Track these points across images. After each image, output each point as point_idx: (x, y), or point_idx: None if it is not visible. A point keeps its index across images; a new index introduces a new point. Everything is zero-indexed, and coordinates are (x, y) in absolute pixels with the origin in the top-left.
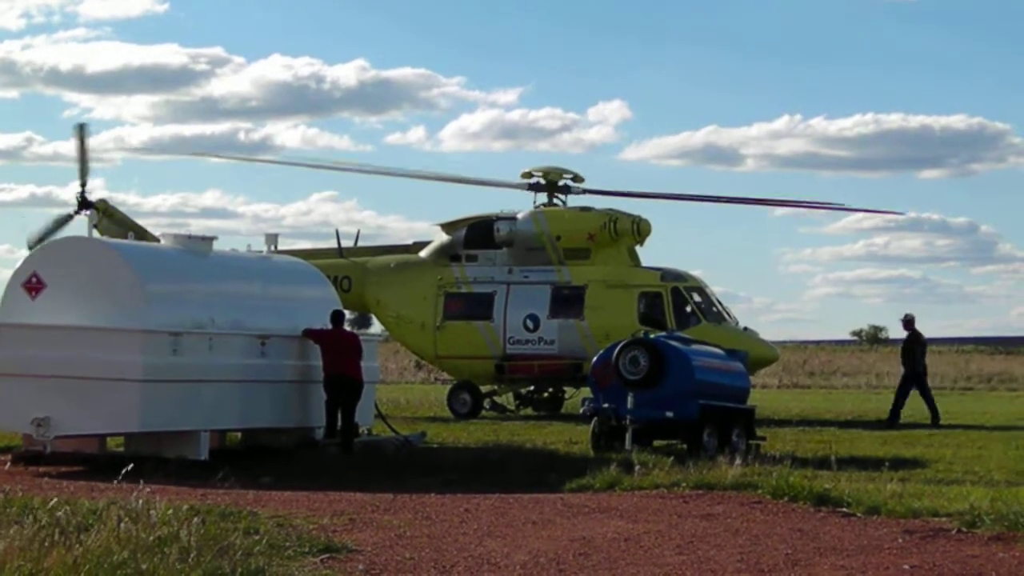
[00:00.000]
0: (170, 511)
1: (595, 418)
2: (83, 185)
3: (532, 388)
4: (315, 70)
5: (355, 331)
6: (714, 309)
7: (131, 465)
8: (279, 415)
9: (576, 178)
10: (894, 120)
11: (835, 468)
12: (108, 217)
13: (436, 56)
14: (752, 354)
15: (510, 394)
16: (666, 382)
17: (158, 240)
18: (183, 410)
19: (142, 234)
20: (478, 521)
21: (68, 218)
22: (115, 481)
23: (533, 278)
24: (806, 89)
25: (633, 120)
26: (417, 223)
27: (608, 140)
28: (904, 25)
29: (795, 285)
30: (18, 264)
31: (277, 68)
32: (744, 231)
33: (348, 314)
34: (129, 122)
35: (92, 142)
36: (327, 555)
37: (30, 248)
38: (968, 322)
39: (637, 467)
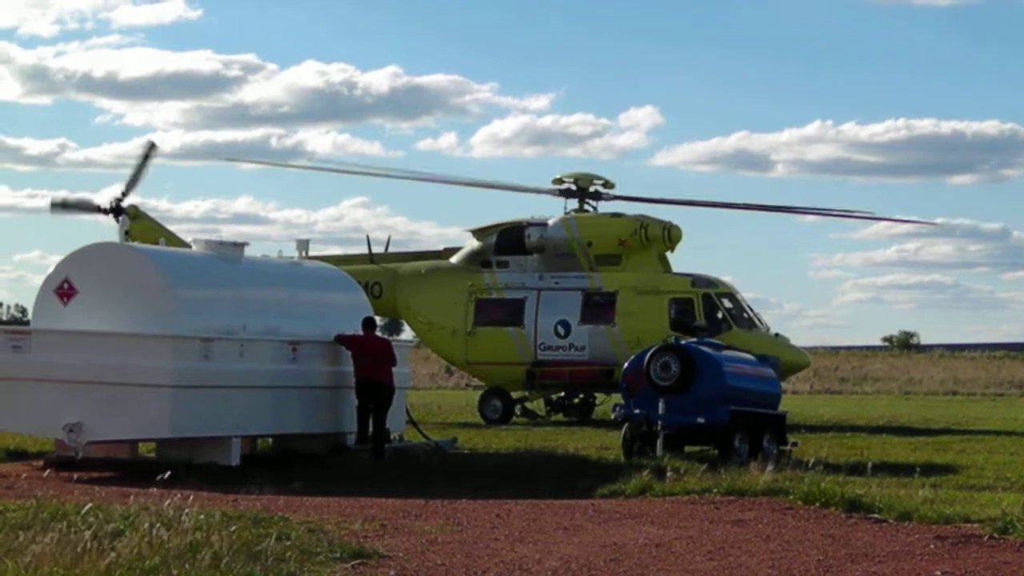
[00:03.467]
0: (202, 517)
1: (626, 424)
2: (124, 194)
3: (563, 394)
4: (348, 76)
5: (386, 337)
6: (745, 315)
7: (167, 473)
8: (310, 421)
9: (607, 184)
10: (926, 126)
11: (867, 474)
12: (139, 223)
13: (469, 62)
14: (783, 360)
15: (541, 400)
16: (697, 388)
17: (189, 246)
18: (214, 416)
19: (173, 240)
20: (509, 527)
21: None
22: (149, 488)
23: (564, 284)
24: (837, 94)
25: (664, 126)
26: (448, 229)
27: (639, 146)
28: (936, 30)
29: (826, 291)
30: (50, 270)
31: (310, 74)
32: (775, 237)
33: (379, 320)
34: (161, 128)
35: (123, 148)
36: (358, 561)
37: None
38: (1000, 328)
39: (668, 473)
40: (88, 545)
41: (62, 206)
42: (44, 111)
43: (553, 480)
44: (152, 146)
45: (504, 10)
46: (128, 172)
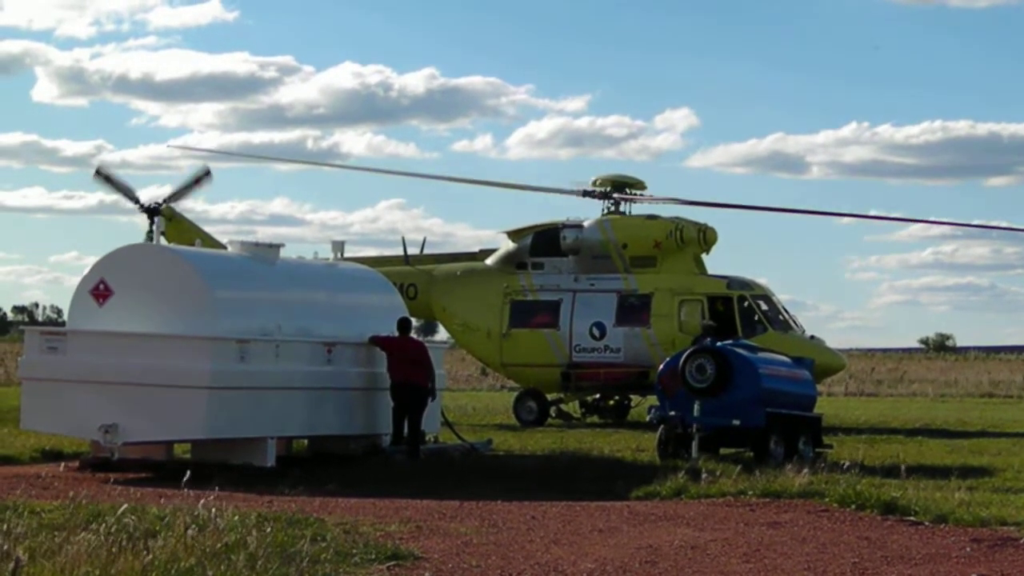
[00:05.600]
0: (237, 518)
1: (662, 426)
2: (167, 201)
3: (598, 396)
4: (384, 78)
5: (421, 339)
6: (780, 317)
7: (188, 473)
8: (345, 422)
9: (640, 186)
10: (961, 127)
11: (903, 476)
12: (175, 224)
13: (505, 64)
14: (819, 362)
15: (576, 402)
16: (733, 390)
17: (225, 248)
18: (250, 417)
19: (208, 241)
20: (545, 529)
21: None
22: (182, 488)
23: (599, 286)
24: (873, 96)
25: (699, 127)
26: (483, 231)
27: (674, 147)
28: (973, 32)
29: (861, 293)
30: (86, 271)
31: (346, 76)
32: (810, 238)
33: (414, 321)
34: (197, 130)
35: (159, 150)
36: (394, 562)
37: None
38: None
39: (704, 475)
40: (124, 546)
41: (106, 179)
42: (81, 113)
43: (588, 482)
44: (207, 172)
45: (540, 13)
46: (168, 176)
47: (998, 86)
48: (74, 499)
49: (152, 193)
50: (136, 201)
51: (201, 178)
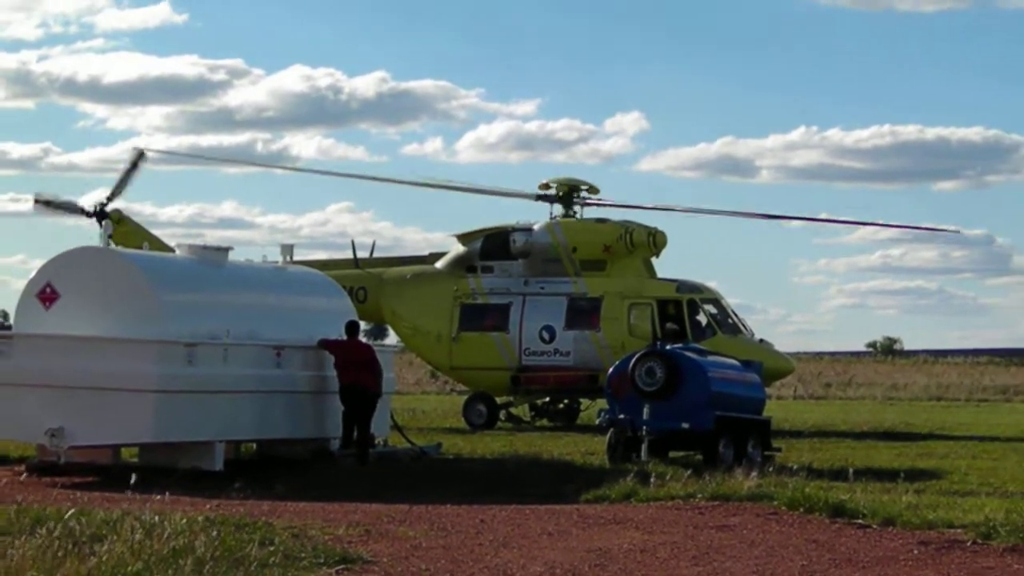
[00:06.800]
0: (184, 522)
1: (611, 429)
2: (110, 199)
3: (548, 399)
4: (334, 81)
5: (370, 342)
6: (730, 321)
7: (135, 477)
8: (294, 426)
9: (592, 189)
10: (910, 131)
11: (851, 479)
12: (123, 227)
13: (456, 68)
14: (768, 365)
15: (526, 405)
16: (682, 393)
17: (173, 251)
18: (198, 421)
19: (157, 245)
20: (494, 532)
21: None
22: (128, 491)
23: (549, 289)
24: (822, 100)
25: (650, 131)
26: (433, 234)
27: (624, 151)
28: (921, 36)
29: (810, 296)
30: (32, 274)
31: (296, 79)
32: (760, 242)
33: (363, 325)
34: (145, 132)
35: (106, 153)
36: (342, 566)
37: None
38: (983, 333)
39: (653, 478)
40: (69, 550)
41: (46, 204)
42: (27, 115)
43: (537, 485)
44: (140, 154)
45: (491, 16)
46: (114, 177)
47: (946, 91)
48: (20, 503)
49: (99, 196)
50: (82, 211)
51: (137, 162)
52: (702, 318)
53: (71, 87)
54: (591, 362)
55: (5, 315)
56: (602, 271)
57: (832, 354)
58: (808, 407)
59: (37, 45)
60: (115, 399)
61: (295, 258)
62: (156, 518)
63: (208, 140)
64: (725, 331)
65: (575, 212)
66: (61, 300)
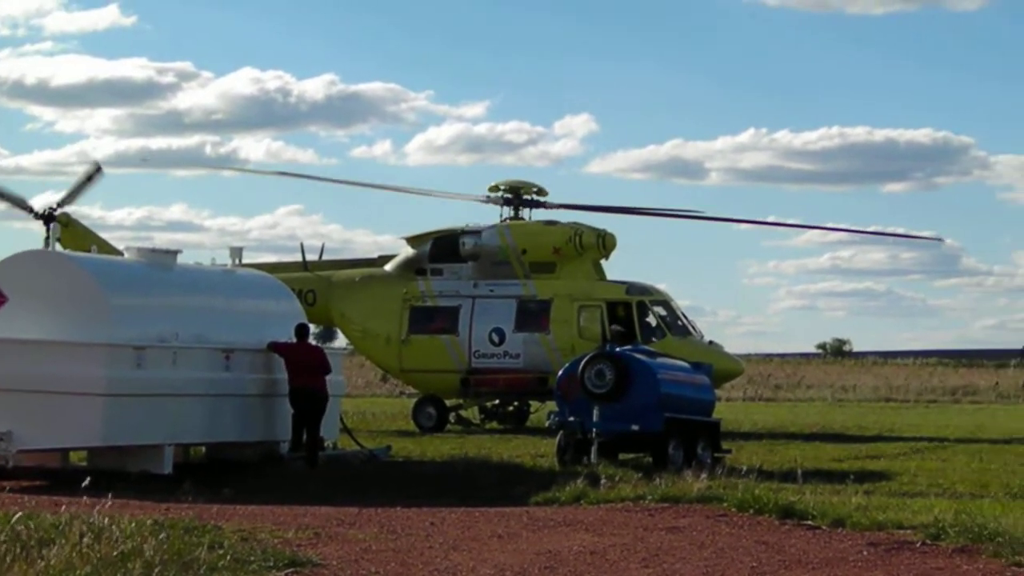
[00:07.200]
0: (133, 525)
1: (561, 431)
2: (60, 205)
3: (497, 402)
4: (283, 84)
5: (320, 345)
6: (679, 322)
7: (85, 480)
8: (243, 429)
9: (541, 192)
10: (859, 133)
11: (800, 481)
12: (71, 230)
13: (405, 70)
14: (717, 367)
15: (475, 408)
16: (631, 395)
17: (121, 254)
18: (147, 424)
19: (105, 248)
20: (444, 535)
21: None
22: (85, 497)
23: (499, 292)
24: (771, 102)
25: (599, 133)
26: (383, 237)
27: (574, 153)
28: (870, 39)
29: (760, 298)
30: None
31: (245, 82)
32: (709, 244)
33: (313, 328)
34: (93, 135)
35: (54, 156)
36: (292, 569)
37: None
38: (931, 335)
39: (603, 480)
40: (17, 554)
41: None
42: None
43: (487, 488)
44: (98, 169)
45: (440, 19)
46: (62, 180)
47: (895, 93)
48: None
49: (47, 199)
50: (30, 210)
51: (93, 175)
52: (652, 320)
53: (19, 90)
54: (541, 364)
55: None
56: (552, 273)
57: (782, 356)
58: (758, 409)
59: None
60: (64, 403)
61: (244, 261)
62: (105, 521)
63: (157, 143)
64: (675, 333)
65: (524, 214)
66: (9, 303)
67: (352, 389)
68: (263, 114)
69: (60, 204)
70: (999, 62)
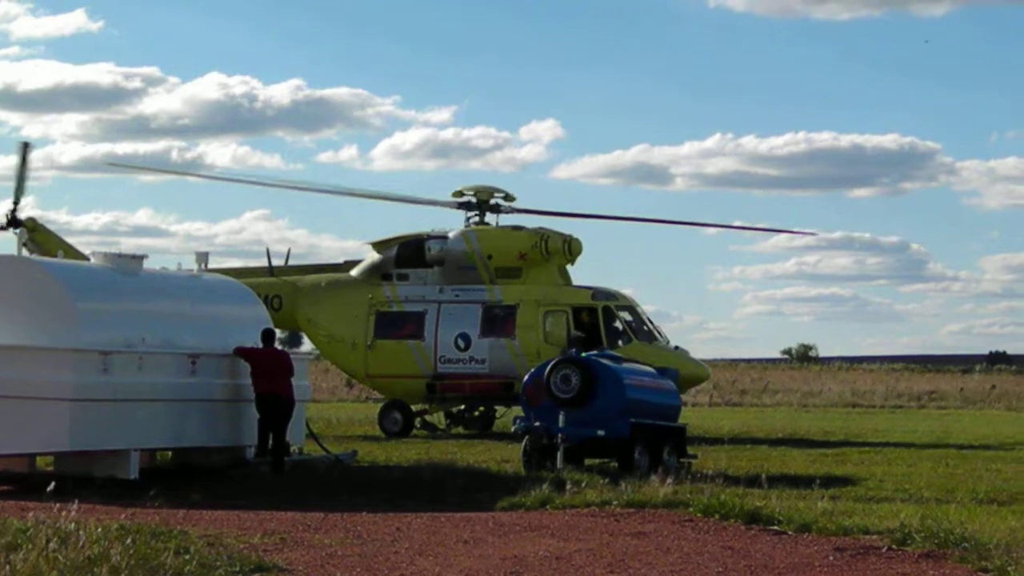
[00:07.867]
0: (99, 530)
1: (526, 437)
2: (16, 203)
3: (463, 407)
4: (249, 89)
5: (286, 350)
6: (645, 328)
7: (51, 485)
8: (209, 434)
9: (507, 197)
10: (825, 139)
11: (766, 486)
12: (37, 235)
13: (372, 76)
14: (683, 372)
15: (441, 413)
16: (597, 400)
17: (88, 259)
18: (113, 429)
19: (71, 253)
20: (409, 540)
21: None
22: (54, 502)
23: (464, 297)
24: (737, 107)
25: (565, 139)
26: (348, 242)
27: (540, 159)
28: (836, 45)
29: (726, 303)
30: None
31: (211, 87)
32: (675, 249)
33: (279, 333)
34: (60, 140)
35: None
36: (258, 574)
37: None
38: (898, 340)
39: (569, 485)
40: None
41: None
42: None
43: (453, 493)
44: (26, 146)
45: (406, 24)
46: (31, 187)
47: (861, 99)
48: None
49: (7, 205)
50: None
51: (24, 156)
52: (618, 325)
53: None
54: (506, 369)
55: None
56: (517, 279)
57: (748, 361)
58: (724, 414)
59: None
60: (30, 408)
61: (210, 266)
62: (71, 527)
63: (123, 148)
64: (641, 338)
65: (490, 219)
66: None
67: (318, 394)
68: (229, 119)
69: (15, 201)
70: (965, 68)
